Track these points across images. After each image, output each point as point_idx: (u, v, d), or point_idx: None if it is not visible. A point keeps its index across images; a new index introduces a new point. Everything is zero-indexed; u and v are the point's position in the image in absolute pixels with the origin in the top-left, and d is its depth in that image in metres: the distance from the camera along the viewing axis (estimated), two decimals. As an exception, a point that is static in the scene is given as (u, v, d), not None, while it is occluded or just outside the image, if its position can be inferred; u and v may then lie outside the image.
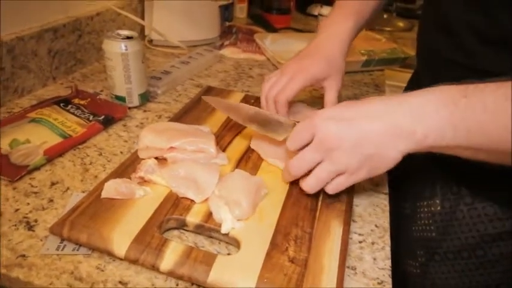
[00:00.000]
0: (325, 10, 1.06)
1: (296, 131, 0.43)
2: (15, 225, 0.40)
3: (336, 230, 0.41)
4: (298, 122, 0.45)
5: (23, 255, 0.37)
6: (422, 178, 0.55)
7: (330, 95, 0.58)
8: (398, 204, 0.57)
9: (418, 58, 0.61)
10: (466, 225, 0.49)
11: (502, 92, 0.33)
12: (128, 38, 0.60)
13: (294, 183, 0.47)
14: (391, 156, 0.39)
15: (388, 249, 0.42)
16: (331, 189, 0.42)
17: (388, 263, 0.40)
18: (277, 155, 0.50)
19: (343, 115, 0.40)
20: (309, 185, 0.43)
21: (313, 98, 0.73)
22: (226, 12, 1.10)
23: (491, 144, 0.34)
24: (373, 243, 0.42)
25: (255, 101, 0.66)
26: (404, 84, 0.70)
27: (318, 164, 0.41)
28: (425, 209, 0.55)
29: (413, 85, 0.64)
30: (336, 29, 0.58)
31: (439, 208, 0.52)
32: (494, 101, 0.33)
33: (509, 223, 0.47)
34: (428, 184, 0.54)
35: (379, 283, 0.38)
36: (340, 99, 0.58)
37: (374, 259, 0.40)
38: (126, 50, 0.59)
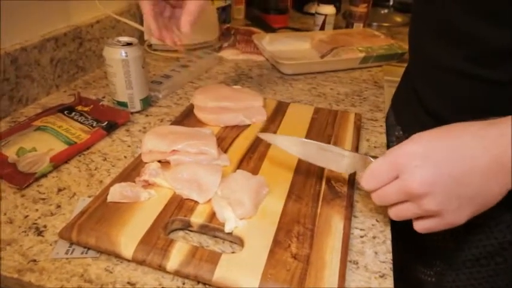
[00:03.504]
0: (322, 8, 1.07)
1: (374, 170, 0.38)
2: (25, 232, 0.42)
3: (337, 225, 0.42)
4: (370, 156, 0.42)
5: (34, 260, 0.38)
6: None
7: (190, 4, 0.54)
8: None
9: (411, 62, 0.60)
10: (484, 233, 0.48)
11: None
12: (128, 44, 0.61)
13: (295, 183, 0.48)
14: (495, 194, 0.35)
15: (389, 243, 0.43)
16: (420, 230, 0.38)
17: (390, 256, 0.41)
18: None
19: (432, 155, 0.35)
20: (392, 217, 0.40)
21: (313, 97, 0.74)
22: (224, 14, 1.11)
23: None
24: (374, 237, 0.43)
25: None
26: (402, 79, 0.71)
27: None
28: None
29: (407, 86, 0.63)
30: None
31: None
32: None
33: None
34: None
35: (380, 276, 0.39)
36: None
37: (375, 253, 0.41)
38: (126, 56, 0.60)
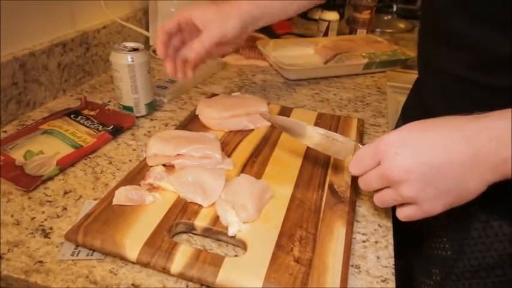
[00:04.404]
0: (326, 14, 1.08)
1: (359, 156, 0.41)
2: (32, 233, 0.42)
3: (339, 230, 0.42)
4: (360, 144, 0.44)
5: (40, 262, 0.39)
6: None
7: (204, 34, 0.53)
8: (411, 222, 0.57)
9: (419, 70, 0.61)
10: (483, 244, 0.48)
11: None
12: (134, 49, 0.62)
13: (298, 188, 0.48)
14: (473, 188, 0.35)
15: (391, 248, 0.43)
16: (401, 217, 0.40)
17: (392, 261, 0.41)
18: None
19: (413, 143, 0.36)
20: (376, 203, 0.42)
21: (316, 102, 0.74)
22: (228, 20, 1.12)
23: None
24: (376, 242, 0.43)
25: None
26: (406, 85, 0.71)
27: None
28: (440, 229, 0.53)
29: (417, 95, 0.64)
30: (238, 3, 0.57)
31: (452, 227, 0.51)
32: None
33: None
34: None
35: (382, 280, 0.39)
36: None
37: (377, 257, 0.42)
38: (132, 61, 0.61)
